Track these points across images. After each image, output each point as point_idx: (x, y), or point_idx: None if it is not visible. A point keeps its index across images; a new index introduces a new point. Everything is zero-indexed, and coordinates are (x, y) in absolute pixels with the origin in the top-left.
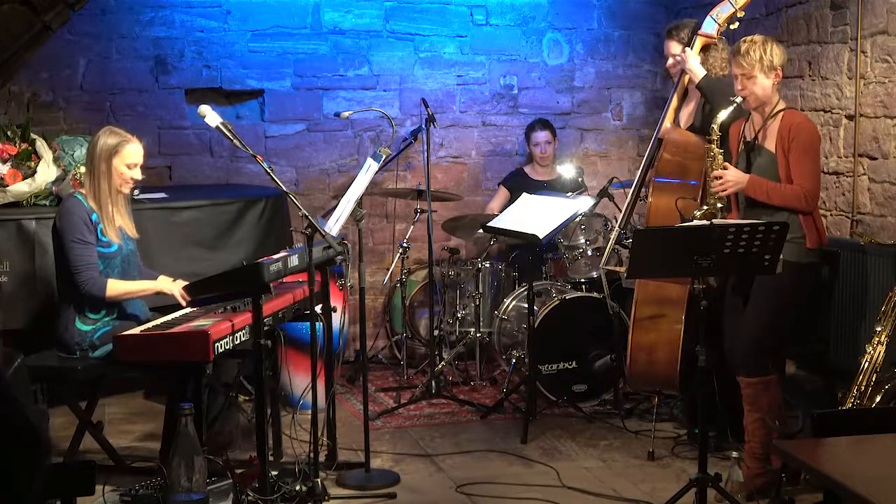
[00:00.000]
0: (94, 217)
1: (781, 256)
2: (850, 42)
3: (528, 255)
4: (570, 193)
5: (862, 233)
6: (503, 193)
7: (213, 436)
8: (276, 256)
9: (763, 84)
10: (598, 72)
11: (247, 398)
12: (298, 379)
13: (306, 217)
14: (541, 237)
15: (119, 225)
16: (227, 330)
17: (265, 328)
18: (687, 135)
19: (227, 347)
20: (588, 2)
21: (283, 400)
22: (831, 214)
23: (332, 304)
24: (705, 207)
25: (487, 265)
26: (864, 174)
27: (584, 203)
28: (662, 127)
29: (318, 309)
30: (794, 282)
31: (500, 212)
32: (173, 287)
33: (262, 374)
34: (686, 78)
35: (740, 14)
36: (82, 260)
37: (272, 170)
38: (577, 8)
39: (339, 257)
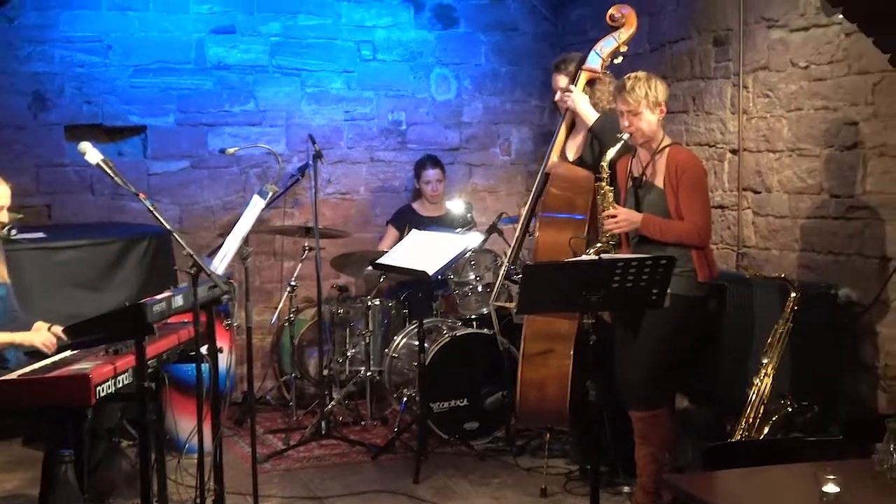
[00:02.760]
0: None
1: (670, 290)
2: (733, 77)
3: (418, 292)
4: (459, 229)
5: (747, 266)
6: (392, 233)
7: (95, 483)
8: (159, 297)
9: (649, 120)
10: (486, 107)
11: (130, 443)
12: (184, 422)
13: (191, 256)
14: (430, 274)
15: None
16: (109, 373)
17: (149, 370)
18: (574, 169)
19: (109, 391)
20: (475, 38)
21: (169, 444)
22: (717, 248)
23: (219, 344)
24: (598, 245)
25: (377, 303)
26: (749, 208)
27: (473, 239)
28: (549, 161)
29: (203, 350)
30: (682, 315)
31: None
32: (36, 340)
33: (146, 418)
34: (572, 113)
35: (624, 49)
36: None
37: (155, 208)
38: (465, 44)
39: (226, 296)
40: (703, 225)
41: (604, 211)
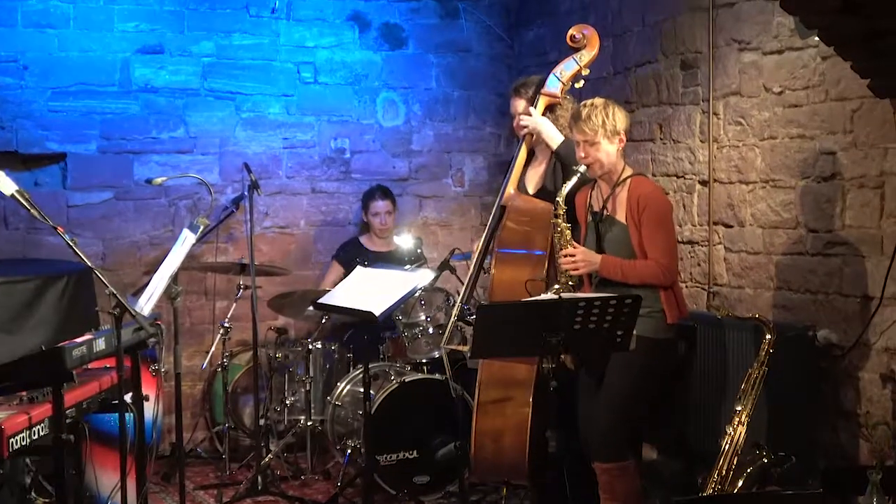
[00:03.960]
0: None
1: (636, 332)
2: (703, 103)
3: (363, 335)
4: (408, 266)
5: (719, 305)
6: (337, 269)
7: None
8: (79, 340)
9: (607, 150)
10: (437, 134)
11: (46, 500)
12: (106, 477)
13: (114, 295)
14: (377, 314)
15: None
16: (23, 423)
17: (68, 421)
18: (532, 201)
19: (23, 443)
20: (425, 59)
21: (89, 501)
22: (687, 286)
23: (145, 392)
24: (556, 287)
25: (319, 346)
26: (720, 243)
27: (423, 277)
28: (505, 193)
29: (127, 398)
30: (650, 359)
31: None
32: None
33: (65, 473)
34: (531, 139)
35: (585, 72)
36: None
37: (75, 243)
38: (414, 66)
39: (152, 340)
40: (667, 263)
41: (561, 250)
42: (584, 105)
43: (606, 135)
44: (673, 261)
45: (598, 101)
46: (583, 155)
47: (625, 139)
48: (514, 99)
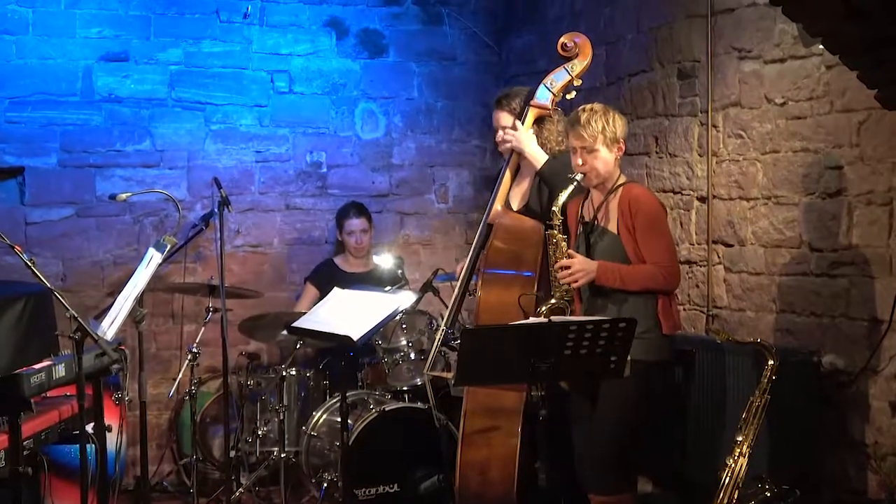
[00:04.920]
0: None
1: (629, 357)
2: (701, 115)
3: (340, 361)
4: (388, 288)
5: (718, 329)
6: (311, 292)
7: None
8: (38, 367)
9: (605, 158)
10: (419, 147)
11: None
12: None
13: (75, 319)
14: (355, 339)
15: None
16: None
17: (25, 452)
18: (520, 219)
19: None
20: (407, 68)
21: None
22: (685, 309)
23: (107, 422)
24: (552, 302)
25: (293, 373)
26: (720, 263)
27: (404, 299)
28: (493, 210)
29: (89, 428)
30: (646, 383)
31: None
32: None
33: None
34: (518, 154)
35: (577, 83)
36: None
37: (34, 263)
38: (395, 75)
39: (115, 366)
40: (668, 264)
41: (556, 262)
42: (583, 110)
43: (606, 142)
44: (673, 262)
45: (598, 106)
46: (580, 162)
47: (623, 147)
48: (498, 112)
